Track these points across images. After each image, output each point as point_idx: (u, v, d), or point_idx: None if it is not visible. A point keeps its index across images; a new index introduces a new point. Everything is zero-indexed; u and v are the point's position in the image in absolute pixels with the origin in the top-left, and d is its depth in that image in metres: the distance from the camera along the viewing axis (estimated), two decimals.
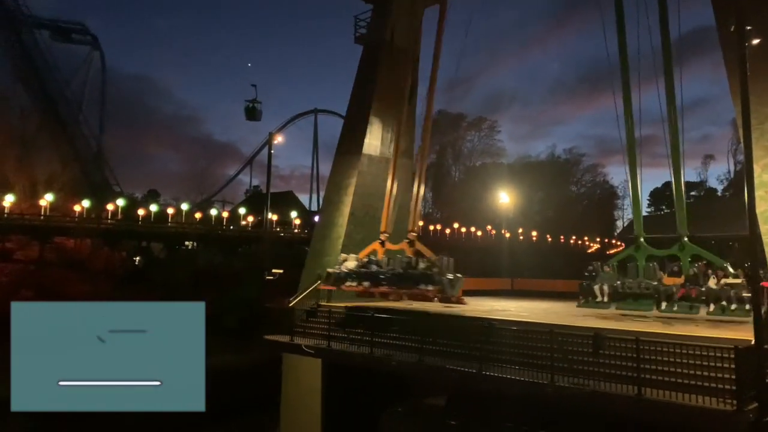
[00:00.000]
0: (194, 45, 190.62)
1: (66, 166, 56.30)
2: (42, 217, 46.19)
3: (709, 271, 17.22)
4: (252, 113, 56.88)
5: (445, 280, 19.91)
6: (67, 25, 70.12)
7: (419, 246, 22.53)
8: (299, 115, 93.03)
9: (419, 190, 24.64)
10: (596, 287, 18.47)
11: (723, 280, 16.28)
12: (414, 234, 23.01)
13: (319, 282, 22.17)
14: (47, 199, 47.57)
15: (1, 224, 42.63)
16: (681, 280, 17.10)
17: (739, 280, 16.59)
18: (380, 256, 22.66)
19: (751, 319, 14.79)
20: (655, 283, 17.39)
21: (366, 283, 21.05)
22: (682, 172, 18.66)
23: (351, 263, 22.11)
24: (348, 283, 21.31)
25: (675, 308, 16.55)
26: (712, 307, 16.04)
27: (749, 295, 15.21)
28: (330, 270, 22.03)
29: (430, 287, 19.73)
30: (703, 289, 16.38)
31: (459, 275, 20.70)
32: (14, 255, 42.85)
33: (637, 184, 19.66)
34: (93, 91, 74.94)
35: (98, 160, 66.95)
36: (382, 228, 23.73)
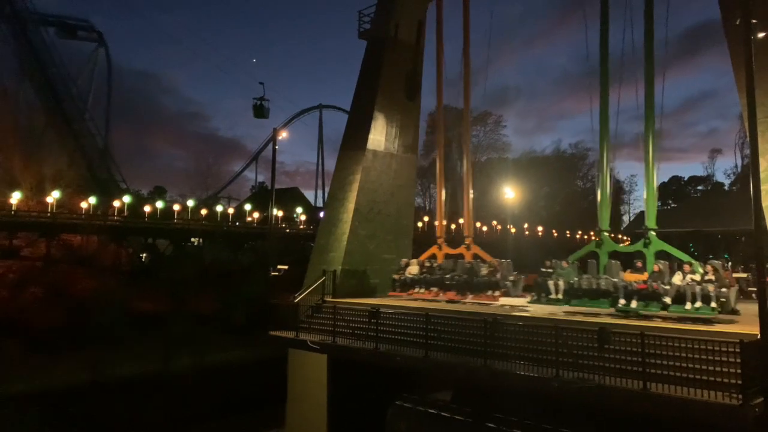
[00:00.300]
0: (199, 42, 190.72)
1: (72, 163, 56.48)
2: (49, 215, 46.42)
3: (659, 259, 16.92)
4: (260, 111, 57.11)
5: (509, 283, 20.77)
6: (73, 22, 70.30)
7: (476, 249, 23.47)
8: (304, 111, 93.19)
9: (469, 195, 25.28)
10: (551, 283, 18.25)
11: (689, 277, 15.64)
12: (470, 239, 23.87)
13: (323, 278, 22.30)
14: (54, 196, 47.82)
15: (8, 221, 42.87)
16: (644, 276, 16.48)
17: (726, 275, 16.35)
18: (440, 260, 23.51)
19: (715, 317, 14.70)
20: (615, 279, 16.81)
21: (434, 289, 21.75)
22: (653, 165, 18.55)
23: (414, 268, 22.79)
24: (417, 290, 22.04)
25: (633, 305, 15.84)
26: (668, 299, 15.23)
27: (715, 292, 14.96)
28: (395, 276, 22.75)
29: (497, 293, 20.50)
30: (667, 286, 15.50)
31: (519, 275, 21.61)
32: (21, 252, 43.14)
33: (607, 177, 19.59)
34: (99, 89, 75.22)
35: (104, 157, 67.13)
36: (438, 233, 25.00)
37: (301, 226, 62.93)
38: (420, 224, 64.77)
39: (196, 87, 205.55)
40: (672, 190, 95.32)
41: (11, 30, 57.87)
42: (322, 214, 29.60)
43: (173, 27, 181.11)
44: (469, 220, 25.17)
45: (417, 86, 27.46)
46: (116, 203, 53.03)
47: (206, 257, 52.63)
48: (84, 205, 50.16)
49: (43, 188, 49.62)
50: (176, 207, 58.37)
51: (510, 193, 53.10)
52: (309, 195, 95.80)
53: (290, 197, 76.44)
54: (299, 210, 66.21)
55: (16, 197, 45.74)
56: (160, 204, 56.68)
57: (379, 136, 25.55)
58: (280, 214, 61.26)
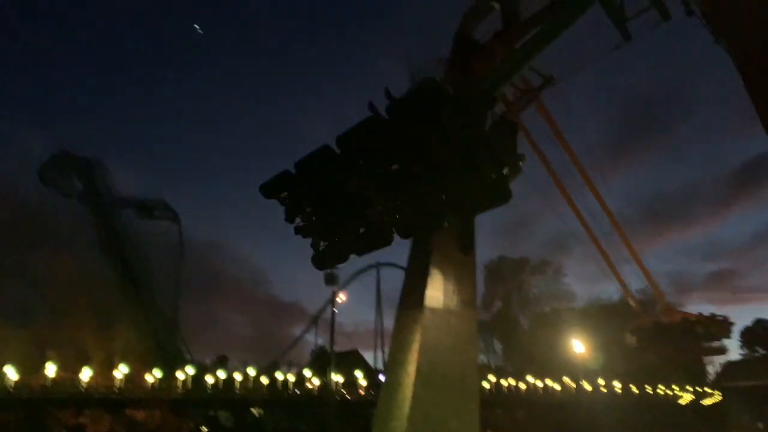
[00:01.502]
0: (260, 209, 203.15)
1: (141, 336, 58.22)
2: (117, 391, 46.91)
3: None
4: (331, 279, 59.69)
5: None
6: (149, 203, 76.71)
7: None
8: (362, 271, 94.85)
9: None
10: None
11: None
12: None
13: None
14: (122, 371, 48.68)
15: (79, 399, 43.58)
16: None
17: None
18: None
19: None
20: None
21: None
22: None
23: None
24: None
25: None
26: None
27: None
28: None
29: None
30: None
31: None
32: (86, 430, 43.10)
33: None
34: (169, 262, 79.62)
35: (172, 329, 69.02)
36: None
37: (361, 392, 60.93)
38: (487, 385, 61.41)
39: (258, 253, 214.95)
40: (758, 335, 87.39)
41: (95, 214, 63.72)
42: (382, 378, 28.63)
43: (238, 199, 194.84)
44: None
45: (471, 239, 27.66)
46: (180, 374, 53.31)
47: (267, 428, 50.95)
48: (149, 377, 50.65)
49: (112, 362, 50.76)
50: (238, 376, 58.04)
51: (579, 347, 50.45)
52: (368, 356, 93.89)
53: (350, 361, 74.99)
54: (359, 374, 64.57)
55: (86, 374, 46.79)
56: (222, 374, 56.58)
57: (437, 292, 25.22)
58: (340, 379, 59.80)
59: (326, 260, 12.12)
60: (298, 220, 12.26)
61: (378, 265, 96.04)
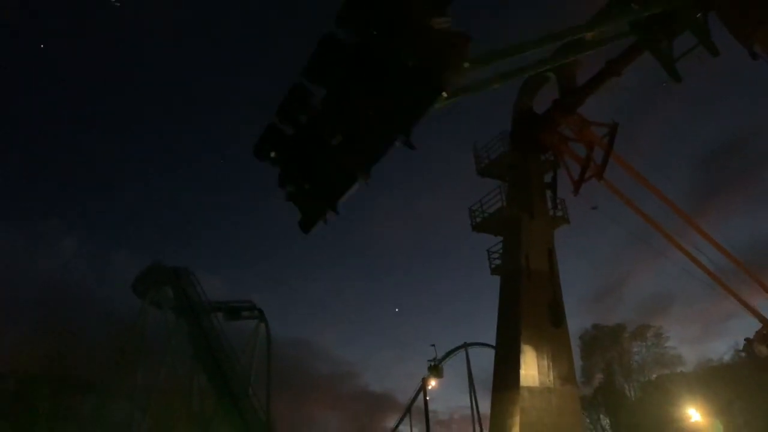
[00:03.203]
0: (345, 303, 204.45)
1: None
2: None
3: None
4: (436, 371, 59.83)
5: None
6: (237, 305, 78.84)
7: None
8: (450, 353, 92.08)
9: None
10: None
11: None
12: None
13: None
14: None
15: None
16: None
17: None
18: None
19: None
20: None
21: None
22: None
23: None
24: None
25: None
26: None
27: None
28: None
29: None
30: None
31: None
32: None
33: None
34: (259, 363, 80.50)
35: (267, 431, 68.67)
36: None
37: None
38: None
39: (345, 346, 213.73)
40: None
41: (188, 323, 66.13)
42: None
43: (322, 293, 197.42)
44: None
45: (560, 311, 26.65)
46: None
47: None
48: None
49: None
50: None
51: (695, 416, 46.04)
52: None
53: None
54: None
55: None
56: None
57: (532, 370, 24.25)
58: None
59: (312, 216, 11.14)
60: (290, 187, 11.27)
61: (466, 345, 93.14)
